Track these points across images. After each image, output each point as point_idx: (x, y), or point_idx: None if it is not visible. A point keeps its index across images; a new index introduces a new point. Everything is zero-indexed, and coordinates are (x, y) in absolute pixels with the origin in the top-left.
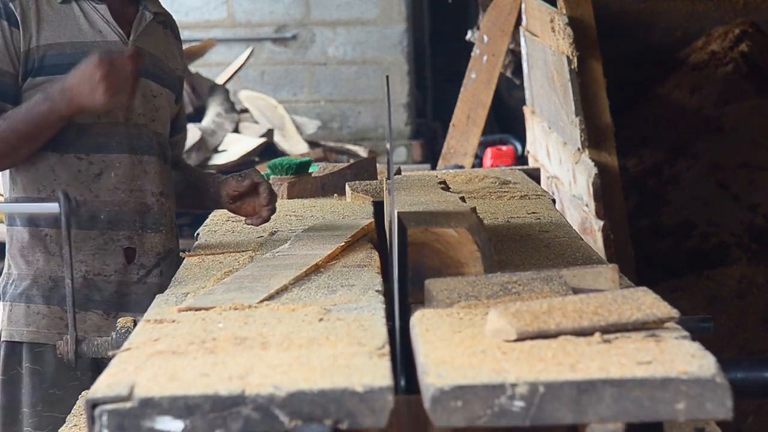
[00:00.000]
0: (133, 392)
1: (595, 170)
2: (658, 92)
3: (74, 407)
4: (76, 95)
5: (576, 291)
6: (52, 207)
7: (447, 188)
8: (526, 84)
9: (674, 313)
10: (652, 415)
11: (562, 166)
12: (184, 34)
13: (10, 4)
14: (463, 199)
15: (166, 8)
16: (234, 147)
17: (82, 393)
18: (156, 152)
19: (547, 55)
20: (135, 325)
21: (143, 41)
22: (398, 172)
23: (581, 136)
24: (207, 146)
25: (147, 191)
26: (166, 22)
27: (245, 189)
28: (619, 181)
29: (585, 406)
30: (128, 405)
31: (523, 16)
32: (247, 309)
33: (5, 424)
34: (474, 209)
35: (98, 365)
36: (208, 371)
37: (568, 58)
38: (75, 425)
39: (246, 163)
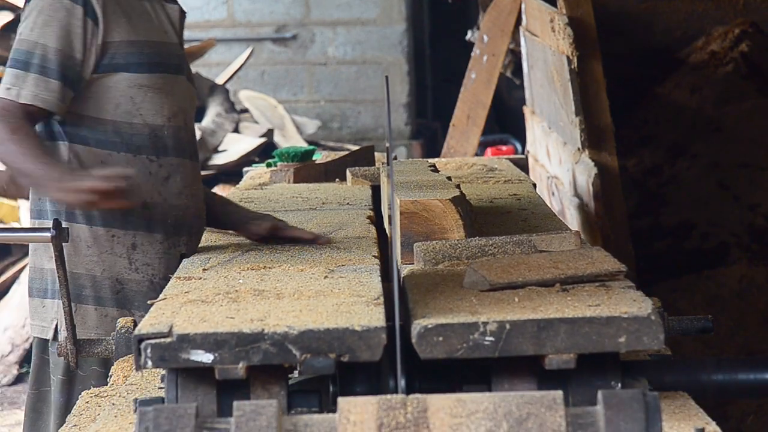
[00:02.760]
0: (171, 330)
1: (595, 170)
2: (658, 92)
3: (74, 407)
4: (56, 184)
5: (543, 252)
6: (44, 235)
7: (436, 171)
8: (526, 84)
9: (622, 267)
10: (599, 347)
11: (562, 166)
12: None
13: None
14: (449, 179)
15: None
16: (234, 147)
17: (82, 393)
18: (198, 157)
19: (547, 55)
20: (135, 325)
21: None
22: (394, 158)
23: (581, 136)
24: (207, 146)
25: (199, 196)
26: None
27: (266, 233)
28: (619, 181)
29: (544, 340)
30: (168, 340)
31: (523, 16)
32: (263, 269)
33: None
34: (458, 186)
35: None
36: (233, 315)
37: (568, 58)
38: (75, 425)
39: (243, 163)
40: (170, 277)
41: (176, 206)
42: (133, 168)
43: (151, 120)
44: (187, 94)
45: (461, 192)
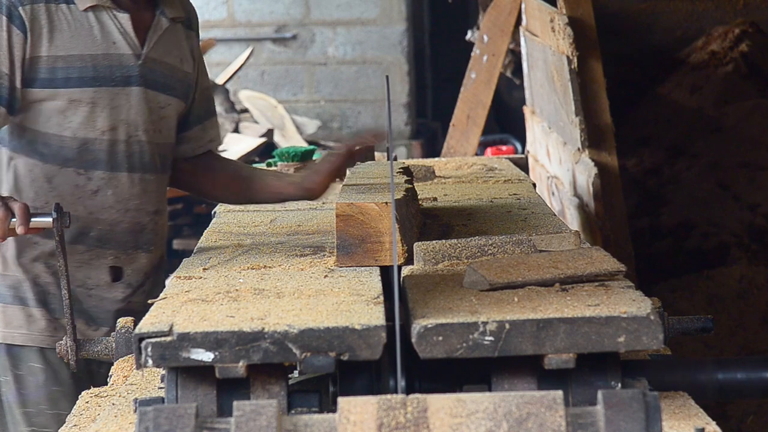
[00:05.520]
0: (172, 329)
1: (595, 170)
2: (658, 92)
3: (74, 407)
4: None
5: (542, 252)
6: (45, 221)
7: (409, 174)
8: (526, 84)
9: (621, 267)
10: (598, 347)
11: (562, 166)
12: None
13: (20, 8)
14: (410, 181)
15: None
16: (234, 147)
17: (82, 393)
18: (156, 169)
19: (547, 55)
20: (135, 325)
21: (158, 50)
22: (394, 158)
23: (581, 136)
24: None
25: (143, 210)
26: (185, 20)
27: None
28: (619, 181)
29: (543, 339)
30: (168, 339)
31: (523, 16)
32: (263, 269)
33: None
34: (409, 189)
35: (89, 368)
36: (233, 313)
37: (568, 58)
38: (75, 425)
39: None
40: (90, 285)
41: (103, 220)
42: (59, 179)
43: (81, 134)
44: (143, 105)
45: (408, 195)
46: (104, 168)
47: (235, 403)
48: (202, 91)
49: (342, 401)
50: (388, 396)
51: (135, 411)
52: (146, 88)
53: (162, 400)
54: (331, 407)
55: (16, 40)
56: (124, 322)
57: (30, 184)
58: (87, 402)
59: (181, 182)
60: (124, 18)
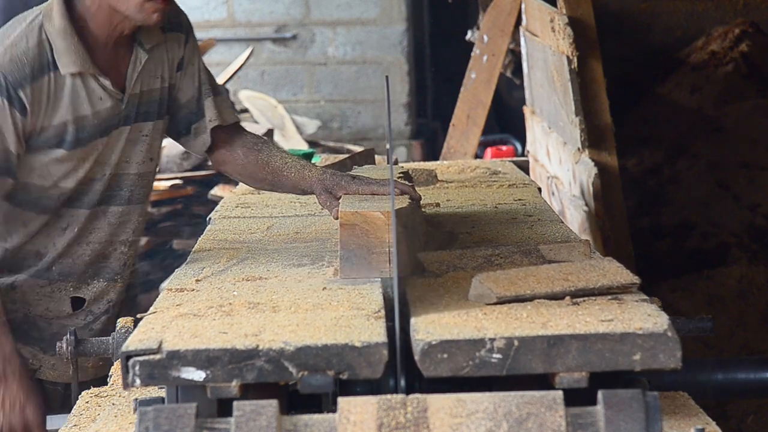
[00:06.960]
0: (161, 346)
1: (595, 170)
2: (658, 92)
3: (74, 407)
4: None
5: (551, 263)
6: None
7: (409, 179)
8: (526, 84)
9: (635, 279)
10: (612, 365)
11: (562, 166)
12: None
13: (20, 91)
14: (412, 188)
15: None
16: None
17: (83, 393)
18: (127, 200)
19: (547, 55)
20: (135, 325)
21: (139, 85)
22: (396, 162)
23: (581, 136)
24: None
25: (107, 242)
26: (166, 25)
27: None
28: (619, 181)
29: (554, 357)
30: (157, 357)
31: (523, 16)
32: (258, 280)
33: None
34: (412, 197)
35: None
36: (226, 329)
37: (568, 58)
38: (75, 425)
39: None
40: (51, 316)
41: (64, 253)
42: (34, 223)
43: (63, 183)
44: (122, 143)
45: (412, 203)
46: (75, 206)
47: (235, 402)
48: (201, 84)
49: (342, 401)
50: (388, 396)
51: (135, 411)
52: (128, 125)
53: (162, 400)
54: (331, 407)
55: (20, 122)
56: (123, 322)
57: (5, 225)
58: (87, 402)
59: (241, 175)
60: (107, 81)
